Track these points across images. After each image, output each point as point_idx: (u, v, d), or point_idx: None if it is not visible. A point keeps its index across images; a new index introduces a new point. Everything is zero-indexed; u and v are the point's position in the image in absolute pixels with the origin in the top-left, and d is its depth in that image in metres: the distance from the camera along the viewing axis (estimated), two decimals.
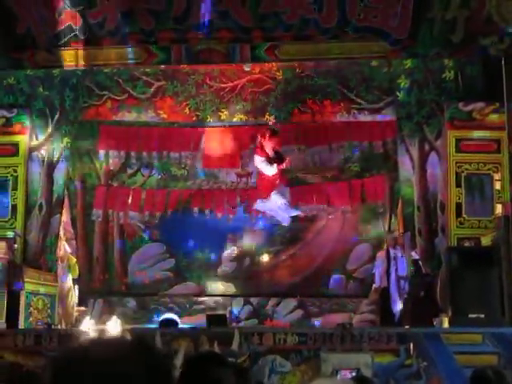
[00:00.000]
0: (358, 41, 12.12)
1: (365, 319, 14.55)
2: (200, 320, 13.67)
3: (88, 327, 12.46)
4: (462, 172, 12.85)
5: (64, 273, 13.99)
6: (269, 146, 13.19)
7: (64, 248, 14.39)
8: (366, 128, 15.01)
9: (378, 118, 14.76)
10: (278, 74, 14.88)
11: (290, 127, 15.16)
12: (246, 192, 15.46)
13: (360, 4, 11.77)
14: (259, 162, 13.33)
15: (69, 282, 14.12)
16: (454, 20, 11.64)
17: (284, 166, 13.23)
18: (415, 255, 13.08)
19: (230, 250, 15.60)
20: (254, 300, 15.24)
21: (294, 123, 15.09)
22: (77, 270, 14.44)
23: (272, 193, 13.34)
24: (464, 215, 12.76)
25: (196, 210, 15.43)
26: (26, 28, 12.12)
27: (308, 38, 12.09)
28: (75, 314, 14.16)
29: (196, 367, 3.02)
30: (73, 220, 15.13)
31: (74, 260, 14.50)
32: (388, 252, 13.43)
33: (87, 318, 13.64)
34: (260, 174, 13.71)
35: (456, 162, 12.89)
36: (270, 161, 13.16)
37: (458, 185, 12.82)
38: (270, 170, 13.23)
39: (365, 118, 14.82)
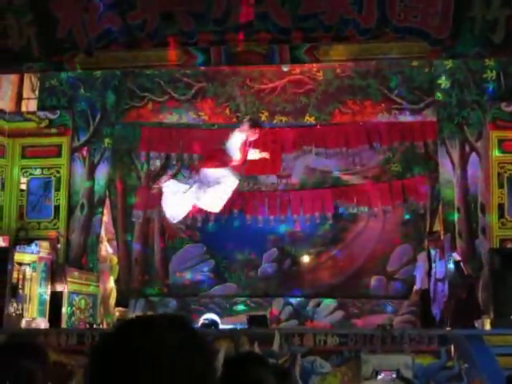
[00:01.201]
0: (398, 41, 12.04)
1: (405, 320, 14.47)
2: (240, 321, 13.69)
3: None
4: (505, 172, 12.73)
5: (106, 273, 14.11)
6: (252, 140, 12.01)
7: (106, 248, 14.52)
8: (407, 129, 14.93)
9: (419, 118, 14.68)
10: (318, 74, 14.83)
11: (330, 128, 15.13)
12: (286, 193, 15.46)
13: (400, 4, 11.69)
14: (238, 141, 11.94)
15: (111, 282, 14.24)
16: (495, 20, 11.52)
17: (237, 166, 12.06)
18: (457, 256, 12.98)
19: (271, 251, 15.58)
20: (294, 301, 15.22)
21: (335, 124, 15.05)
22: (116, 271, 14.56)
23: (212, 169, 12.14)
24: (506, 216, 12.64)
25: (236, 212, 15.44)
26: (66, 31, 12.24)
27: (347, 39, 12.04)
28: (117, 314, 14.28)
29: (236, 367, 3.03)
30: (114, 220, 15.26)
31: (116, 260, 14.61)
32: (429, 254, 13.33)
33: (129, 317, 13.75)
34: (226, 149, 12.09)
35: (498, 163, 12.77)
36: (244, 151, 11.97)
37: (501, 186, 12.69)
38: (236, 155, 11.97)
39: (406, 118, 14.73)
